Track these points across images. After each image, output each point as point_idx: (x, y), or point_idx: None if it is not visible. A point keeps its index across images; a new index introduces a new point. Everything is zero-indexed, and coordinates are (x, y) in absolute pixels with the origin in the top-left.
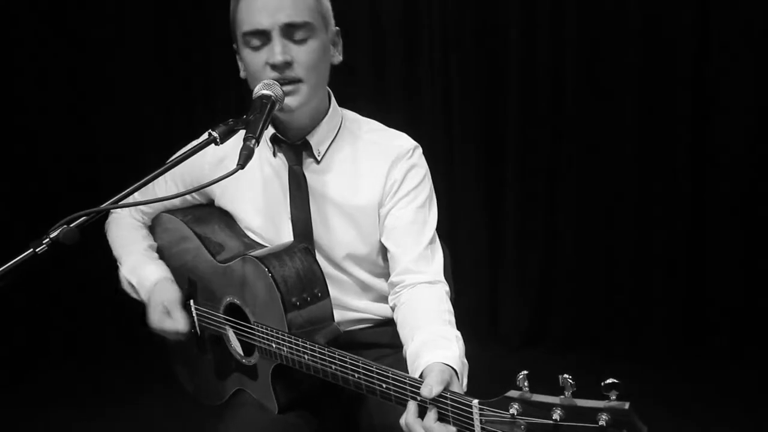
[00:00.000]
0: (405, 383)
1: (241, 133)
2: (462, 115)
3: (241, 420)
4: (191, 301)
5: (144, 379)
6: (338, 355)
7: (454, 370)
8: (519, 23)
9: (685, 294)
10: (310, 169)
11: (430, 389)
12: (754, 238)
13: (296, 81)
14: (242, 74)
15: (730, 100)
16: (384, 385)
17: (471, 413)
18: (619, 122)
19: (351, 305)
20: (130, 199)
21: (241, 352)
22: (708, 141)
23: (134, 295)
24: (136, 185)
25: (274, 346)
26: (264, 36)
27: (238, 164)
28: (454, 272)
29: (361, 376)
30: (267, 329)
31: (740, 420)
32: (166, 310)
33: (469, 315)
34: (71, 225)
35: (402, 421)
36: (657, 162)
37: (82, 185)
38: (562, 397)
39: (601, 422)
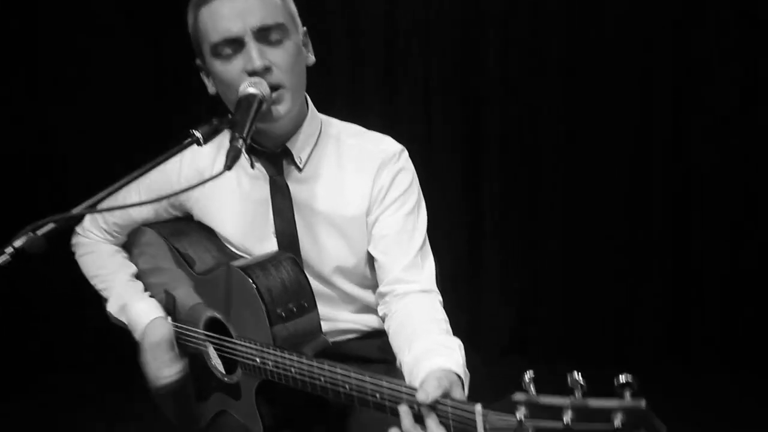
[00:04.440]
0: (401, 392)
1: (226, 137)
2: (442, 119)
3: None
4: (169, 318)
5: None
6: (328, 366)
7: (459, 378)
8: (499, 16)
9: (672, 300)
10: (292, 178)
11: (426, 394)
12: (739, 247)
13: (277, 87)
14: (211, 90)
15: (716, 107)
16: (378, 395)
17: (474, 420)
18: (605, 126)
19: (335, 317)
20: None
21: (223, 370)
22: (694, 143)
23: (125, 327)
24: (108, 190)
25: (258, 360)
26: (236, 43)
27: (225, 166)
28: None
29: (353, 387)
30: (250, 343)
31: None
32: (157, 350)
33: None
34: (37, 233)
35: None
36: (644, 167)
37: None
38: (572, 397)
39: (616, 423)
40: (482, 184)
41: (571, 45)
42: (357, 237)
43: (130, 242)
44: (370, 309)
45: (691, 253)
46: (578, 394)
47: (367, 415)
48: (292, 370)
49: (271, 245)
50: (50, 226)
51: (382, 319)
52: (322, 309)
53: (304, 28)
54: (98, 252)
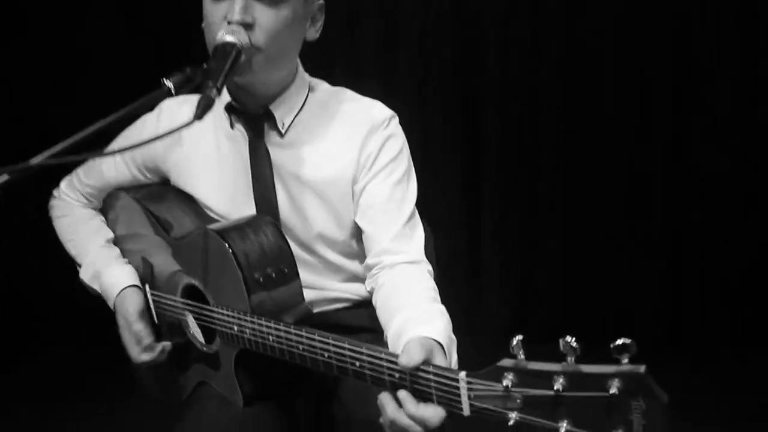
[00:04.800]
0: (381, 359)
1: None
2: (441, 119)
3: (201, 416)
4: (146, 286)
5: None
6: (305, 332)
7: (440, 345)
8: (499, 16)
9: (672, 300)
10: (273, 142)
11: (409, 358)
12: (739, 246)
13: (253, 46)
14: (204, 24)
15: (716, 107)
16: (357, 363)
17: (458, 388)
18: (605, 126)
19: (323, 285)
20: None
21: (202, 340)
22: (694, 143)
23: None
24: (69, 140)
25: (235, 329)
26: None
27: (195, 115)
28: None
29: (332, 355)
30: (227, 310)
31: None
32: (128, 326)
33: (447, 308)
34: None
35: (384, 420)
36: (644, 167)
37: None
38: (564, 363)
39: (613, 390)
40: (482, 184)
41: (570, 45)
42: (341, 205)
43: (104, 207)
44: (359, 278)
45: (691, 253)
46: (571, 359)
47: (350, 385)
48: (270, 338)
49: (251, 210)
50: (4, 177)
51: (370, 293)
52: (308, 277)
53: (321, 2)
54: (73, 215)
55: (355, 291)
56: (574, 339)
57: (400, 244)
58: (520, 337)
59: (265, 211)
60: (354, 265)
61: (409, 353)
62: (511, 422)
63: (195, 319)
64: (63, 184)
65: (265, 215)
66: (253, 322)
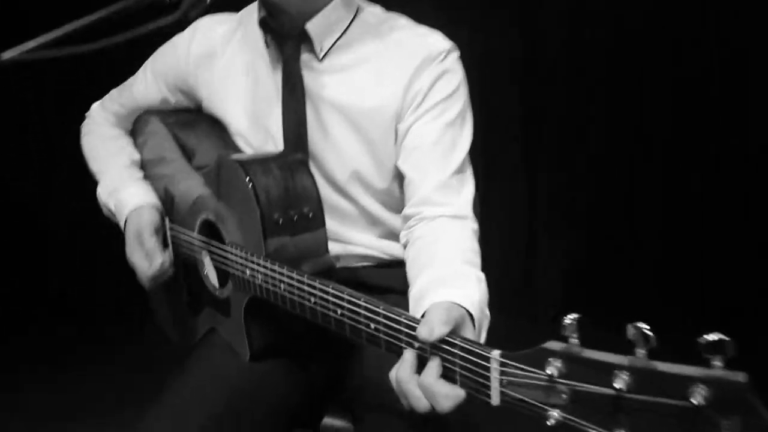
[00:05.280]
0: (400, 323)
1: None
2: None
3: (204, 366)
4: (167, 219)
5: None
6: (319, 284)
7: (470, 315)
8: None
9: (718, 270)
10: (309, 67)
11: (430, 329)
12: (739, 247)
13: None
14: None
15: (716, 107)
16: (372, 326)
17: (488, 369)
18: (606, 125)
19: (353, 239)
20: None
21: (216, 283)
22: (694, 133)
23: (113, 219)
24: (50, 34)
25: (248, 272)
26: None
27: (181, 11)
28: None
29: (345, 313)
30: (241, 251)
31: None
32: (139, 239)
33: (497, 286)
34: None
35: (392, 374)
36: (643, 167)
37: None
38: (631, 357)
39: (696, 399)
40: (540, 149)
41: (570, 43)
42: (382, 144)
43: (134, 130)
44: (396, 235)
45: (691, 253)
46: (642, 352)
47: (369, 350)
48: (281, 286)
49: (278, 140)
50: None
51: (404, 247)
52: (337, 227)
53: None
54: (99, 133)
55: (388, 250)
56: (647, 327)
57: (444, 194)
58: (575, 315)
59: (293, 143)
60: (394, 220)
61: (430, 323)
62: (551, 422)
63: (212, 259)
64: (95, 104)
65: (296, 152)
66: (265, 267)
